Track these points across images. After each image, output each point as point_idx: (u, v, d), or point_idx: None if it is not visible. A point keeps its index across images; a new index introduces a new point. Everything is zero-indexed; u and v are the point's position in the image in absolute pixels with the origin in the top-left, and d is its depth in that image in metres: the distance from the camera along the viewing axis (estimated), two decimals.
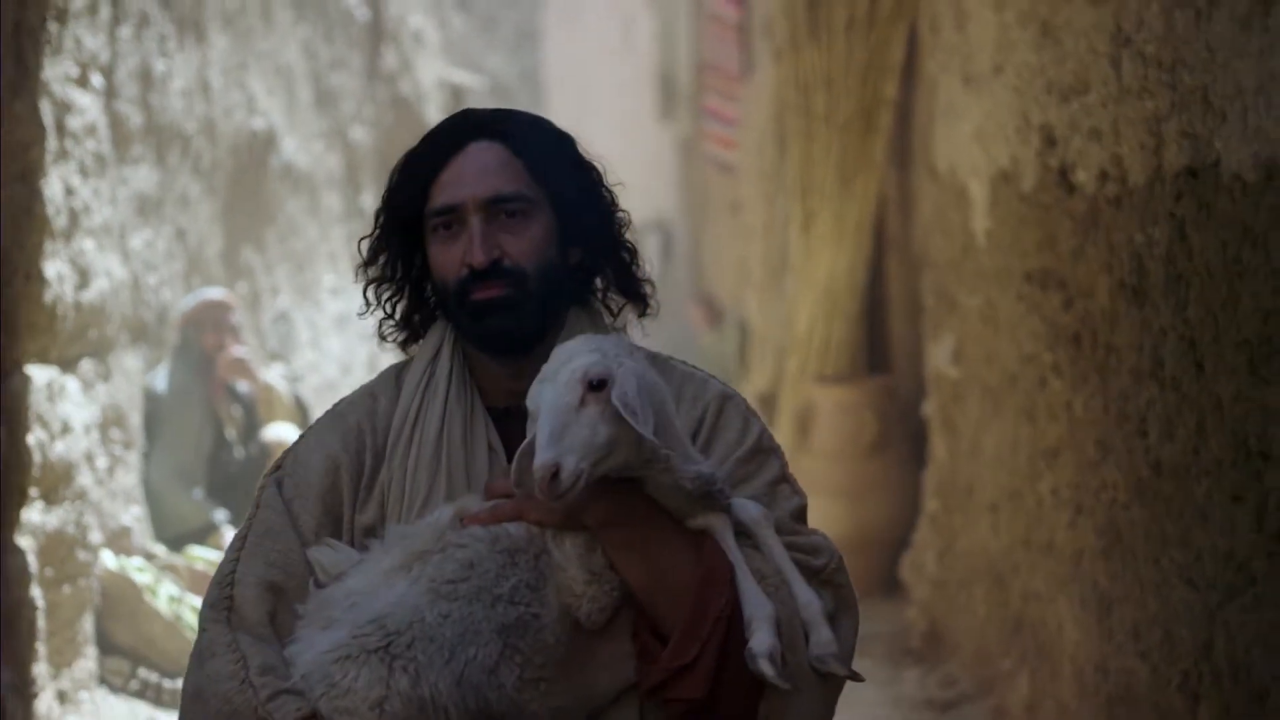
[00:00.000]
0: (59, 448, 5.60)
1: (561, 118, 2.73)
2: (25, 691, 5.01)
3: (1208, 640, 3.90)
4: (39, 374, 5.45)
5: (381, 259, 2.51)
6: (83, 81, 6.00)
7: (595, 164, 2.52)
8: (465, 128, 2.48)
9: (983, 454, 6.17)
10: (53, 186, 5.56)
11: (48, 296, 5.52)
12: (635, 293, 2.54)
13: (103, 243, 6.18)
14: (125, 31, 7.01)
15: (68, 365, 5.84)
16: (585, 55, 21.62)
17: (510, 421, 2.44)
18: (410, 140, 2.63)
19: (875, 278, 8.50)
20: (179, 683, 5.42)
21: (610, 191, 2.53)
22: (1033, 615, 5.52)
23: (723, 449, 2.45)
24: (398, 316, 2.54)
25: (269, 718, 2.28)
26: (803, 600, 2.33)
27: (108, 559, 6.34)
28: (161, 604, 6.34)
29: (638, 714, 2.34)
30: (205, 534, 7.15)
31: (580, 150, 2.52)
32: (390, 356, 2.92)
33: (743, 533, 2.36)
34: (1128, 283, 4.41)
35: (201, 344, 7.44)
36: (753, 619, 2.27)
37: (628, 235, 2.54)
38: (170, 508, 7.13)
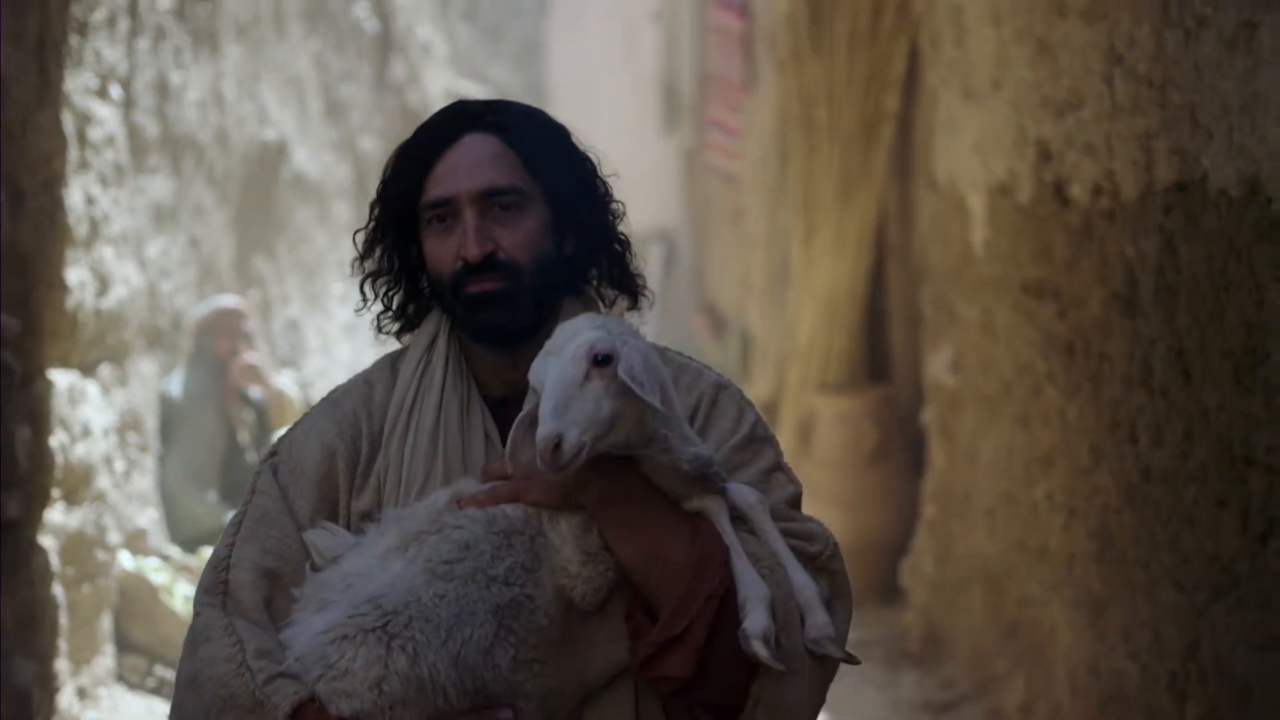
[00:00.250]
0: (80, 450, 5.69)
1: None
2: (49, 685, 5.09)
3: (1194, 640, 3.94)
4: (60, 378, 5.52)
5: (377, 251, 2.49)
6: (102, 93, 6.09)
7: (590, 155, 2.50)
8: (459, 120, 2.45)
9: (979, 461, 6.18)
10: (74, 196, 5.64)
11: (70, 303, 5.60)
12: (628, 284, 2.52)
13: (121, 251, 6.28)
14: (143, 44, 7.08)
15: (88, 370, 5.93)
16: (589, 65, 21.58)
17: (506, 410, 2.41)
18: None
19: (875, 288, 8.50)
20: None
21: (605, 182, 2.50)
22: (1027, 618, 5.54)
23: (717, 437, 2.42)
24: (393, 307, 2.52)
25: (266, 701, 2.23)
26: (798, 584, 2.31)
27: (125, 559, 6.43)
28: (177, 604, 6.40)
29: (631, 697, 2.32)
30: (218, 536, 7.19)
31: (574, 141, 2.50)
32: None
33: (738, 517, 2.34)
34: (1119, 294, 4.45)
35: (216, 350, 7.50)
36: (747, 600, 2.25)
37: (621, 226, 2.52)
38: (184, 510, 7.19)
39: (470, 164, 2.40)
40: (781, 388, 8.89)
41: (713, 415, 2.45)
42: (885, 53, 8.06)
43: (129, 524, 6.55)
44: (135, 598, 6.40)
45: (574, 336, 2.24)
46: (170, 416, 7.27)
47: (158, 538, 6.95)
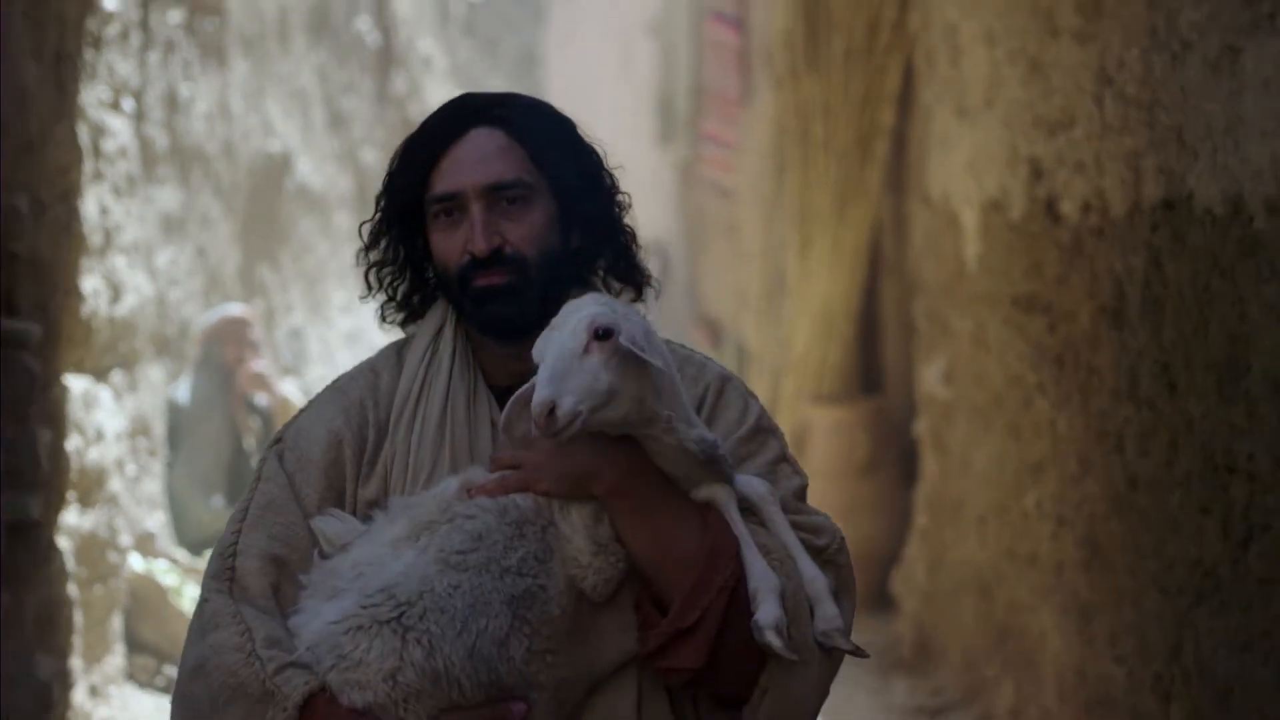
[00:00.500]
0: (93, 454, 5.79)
1: None
2: (65, 682, 5.18)
3: (1178, 643, 4.00)
4: (75, 383, 5.61)
5: (383, 243, 2.46)
6: (115, 106, 6.19)
7: (596, 147, 2.46)
8: (465, 113, 2.41)
9: (971, 470, 6.20)
10: (88, 206, 5.74)
11: (84, 311, 5.70)
12: (634, 276, 2.49)
13: (132, 260, 6.38)
14: (154, 57, 7.16)
15: (100, 375, 6.02)
16: (585, 78, 21.62)
17: None
18: None
19: (870, 301, 8.52)
20: None
21: (611, 175, 2.46)
22: (1017, 624, 5.58)
23: (724, 429, 2.40)
24: (398, 297, 2.49)
25: (276, 692, 2.18)
26: (808, 575, 2.30)
27: (135, 561, 6.50)
28: (186, 605, 6.47)
29: (635, 685, 2.29)
30: None
31: (581, 134, 2.46)
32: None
33: (747, 509, 2.31)
34: (1108, 308, 4.51)
35: (222, 358, 7.57)
36: (758, 591, 2.23)
37: (627, 219, 2.48)
38: (191, 514, 7.26)
39: (476, 158, 2.37)
40: (776, 399, 8.86)
41: (719, 407, 2.43)
42: (881, 69, 8.09)
43: (138, 527, 6.62)
44: (145, 599, 6.48)
45: (577, 311, 2.22)
46: (177, 423, 7.34)
47: (166, 541, 7.01)
